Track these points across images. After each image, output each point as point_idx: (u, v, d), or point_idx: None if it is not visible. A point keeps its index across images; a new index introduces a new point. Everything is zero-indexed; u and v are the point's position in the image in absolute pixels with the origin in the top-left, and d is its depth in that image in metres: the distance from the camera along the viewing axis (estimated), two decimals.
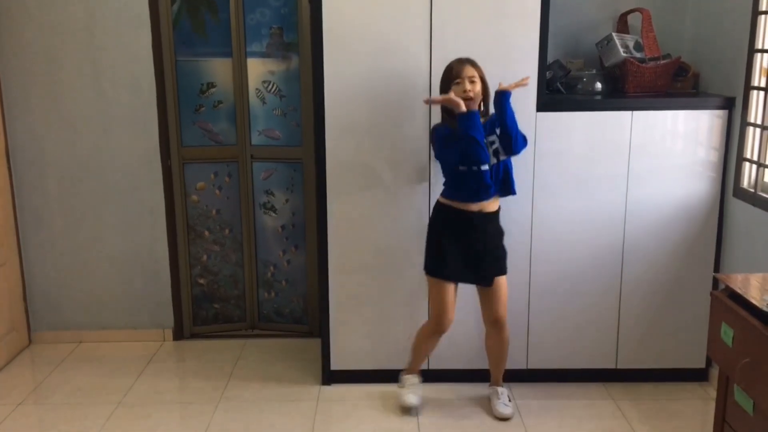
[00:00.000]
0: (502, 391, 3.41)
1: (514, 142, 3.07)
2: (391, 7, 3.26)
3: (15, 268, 4.03)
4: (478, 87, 3.04)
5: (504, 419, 3.32)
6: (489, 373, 3.46)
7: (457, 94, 3.01)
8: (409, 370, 3.44)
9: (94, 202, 4.04)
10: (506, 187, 3.17)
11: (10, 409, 3.47)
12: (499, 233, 3.24)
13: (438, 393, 3.52)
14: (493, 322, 3.29)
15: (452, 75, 3.03)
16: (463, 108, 2.98)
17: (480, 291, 3.27)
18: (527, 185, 3.41)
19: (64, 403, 3.53)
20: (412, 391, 3.39)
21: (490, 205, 3.15)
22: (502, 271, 3.24)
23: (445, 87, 3.05)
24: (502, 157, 3.10)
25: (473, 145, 2.97)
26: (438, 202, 3.21)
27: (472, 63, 3.06)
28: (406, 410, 3.36)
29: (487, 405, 3.42)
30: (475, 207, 3.11)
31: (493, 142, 3.08)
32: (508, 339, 3.35)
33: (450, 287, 3.20)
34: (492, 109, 3.14)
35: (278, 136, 4.08)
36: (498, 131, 3.08)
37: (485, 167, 3.03)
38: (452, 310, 3.23)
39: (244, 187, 4.16)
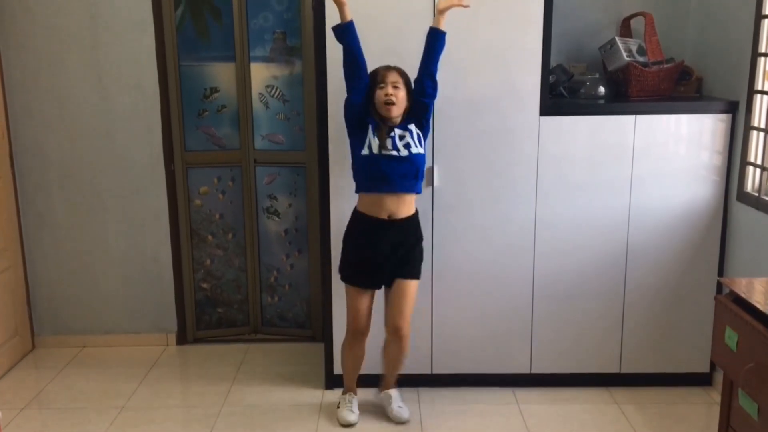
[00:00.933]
0: (395, 394, 3.40)
1: (431, 63, 3.08)
2: (393, 12, 3.26)
3: (18, 272, 4.03)
4: (402, 93, 3.06)
5: (403, 423, 3.31)
6: (478, 377, 3.46)
7: (379, 98, 3.04)
8: (344, 390, 3.45)
9: (98, 207, 4.04)
10: (414, 185, 3.12)
11: (13, 414, 3.47)
12: (414, 239, 3.19)
13: (440, 397, 3.52)
14: (394, 330, 3.23)
15: (377, 79, 3.07)
16: (346, 16, 3.03)
17: (385, 296, 3.25)
18: (530, 189, 3.41)
19: (67, 408, 3.53)
20: (348, 408, 3.36)
21: (401, 209, 3.11)
22: (412, 273, 3.19)
23: (371, 89, 3.08)
24: (414, 150, 3.06)
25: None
26: (354, 210, 3.21)
27: (398, 70, 3.09)
28: (347, 426, 3.33)
29: (488, 408, 3.42)
30: (384, 213, 3.11)
31: (402, 137, 3.06)
32: (407, 351, 3.30)
33: (361, 293, 3.20)
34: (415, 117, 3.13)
35: (281, 140, 4.08)
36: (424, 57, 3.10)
37: (392, 152, 3.03)
38: (366, 316, 3.22)
39: (248, 191, 4.17)
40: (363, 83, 3.09)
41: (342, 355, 3.38)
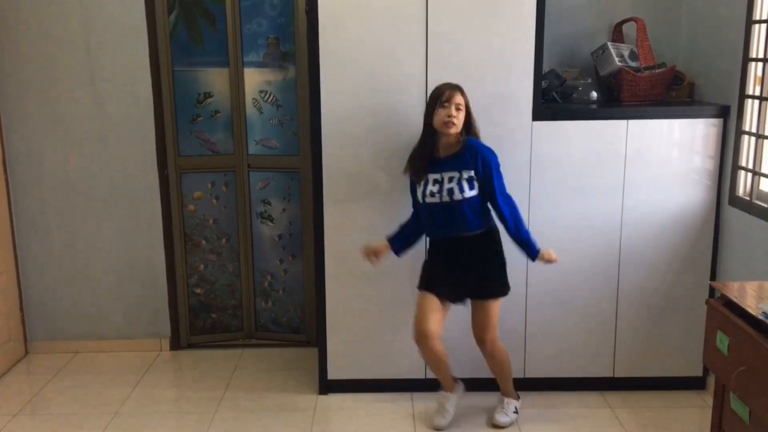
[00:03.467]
0: (508, 401, 3.40)
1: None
2: (386, 19, 3.27)
3: (12, 278, 4.02)
4: (462, 115, 3.06)
5: (498, 427, 3.32)
6: (490, 383, 3.45)
7: (440, 116, 3.03)
8: (442, 388, 3.44)
9: (91, 212, 4.04)
10: (466, 226, 3.16)
11: (6, 420, 3.46)
12: (485, 256, 3.21)
13: (435, 402, 3.52)
14: (478, 341, 3.29)
15: (442, 98, 3.04)
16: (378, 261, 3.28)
17: (471, 309, 3.28)
18: (523, 194, 3.41)
19: (61, 414, 3.52)
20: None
21: (463, 234, 3.17)
22: (486, 294, 3.22)
23: (431, 107, 3.07)
24: (457, 197, 3.08)
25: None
26: None
27: (462, 91, 3.07)
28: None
29: (482, 413, 3.42)
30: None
31: (451, 179, 3.09)
32: (504, 357, 3.32)
33: (429, 298, 3.20)
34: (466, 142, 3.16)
35: (275, 145, 4.09)
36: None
37: (432, 199, 3.11)
38: (430, 320, 3.18)
39: (241, 196, 4.17)
40: None
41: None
